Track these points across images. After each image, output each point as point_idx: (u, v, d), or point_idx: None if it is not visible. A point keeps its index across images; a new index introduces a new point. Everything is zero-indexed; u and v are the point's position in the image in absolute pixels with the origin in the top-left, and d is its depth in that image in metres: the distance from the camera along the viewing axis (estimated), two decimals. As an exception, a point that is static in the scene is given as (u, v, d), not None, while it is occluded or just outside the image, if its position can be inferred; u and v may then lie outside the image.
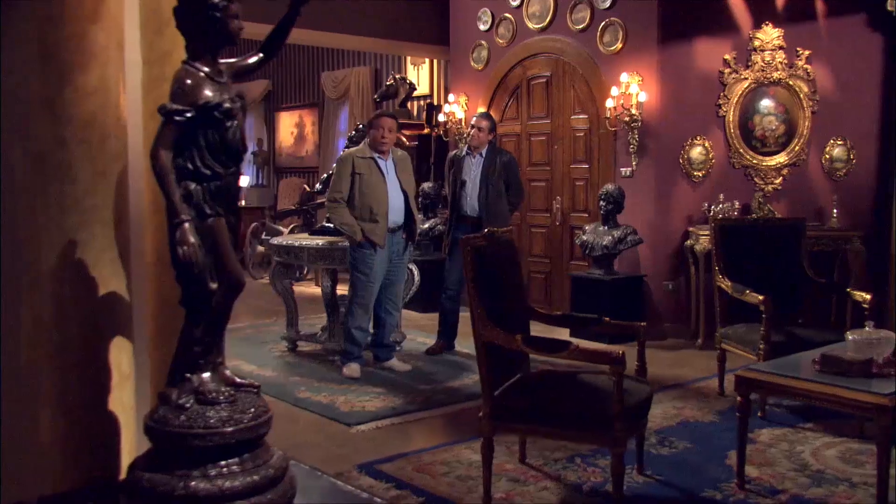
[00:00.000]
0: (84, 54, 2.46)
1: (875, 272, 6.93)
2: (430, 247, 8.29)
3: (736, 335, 5.07)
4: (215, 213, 2.34)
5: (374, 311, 5.82)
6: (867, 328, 3.75)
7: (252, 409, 2.36)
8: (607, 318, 4.05)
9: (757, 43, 7.06)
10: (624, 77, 6.94)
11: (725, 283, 5.19)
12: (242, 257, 11.24)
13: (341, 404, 5.05)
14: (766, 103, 7.15)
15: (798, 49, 7.15)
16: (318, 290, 8.42)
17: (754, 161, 7.16)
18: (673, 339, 6.90)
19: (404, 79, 10.77)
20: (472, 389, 5.18)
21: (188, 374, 2.35)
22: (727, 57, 7.03)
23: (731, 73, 7.05)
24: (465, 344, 6.16)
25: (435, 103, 10.56)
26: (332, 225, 5.94)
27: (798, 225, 5.62)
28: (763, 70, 7.07)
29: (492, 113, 8.15)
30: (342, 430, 4.61)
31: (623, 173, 7.18)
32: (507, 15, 8.12)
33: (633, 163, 7.09)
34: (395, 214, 5.71)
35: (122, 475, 2.56)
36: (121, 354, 2.62)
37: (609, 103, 7.03)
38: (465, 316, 4.25)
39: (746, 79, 7.06)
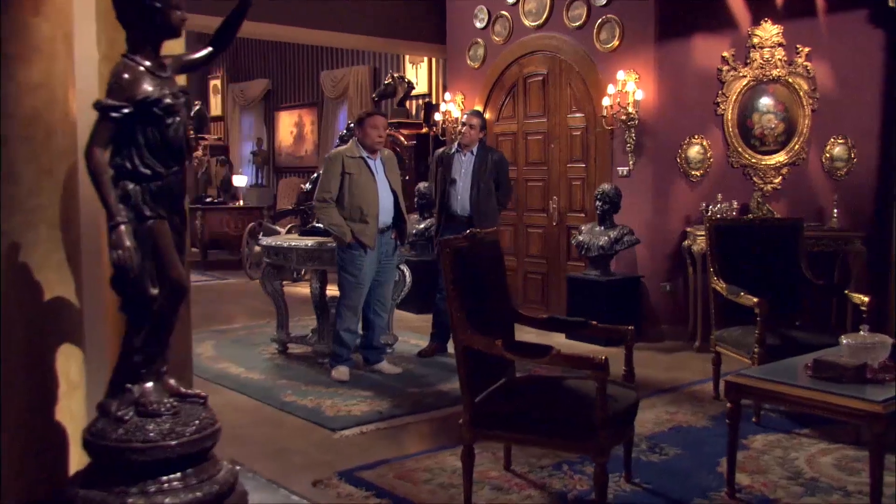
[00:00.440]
0: (26, 47, 2.35)
1: (876, 273, 6.81)
2: (427, 247, 8.19)
3: (731, 338, 4.96)
4: (156, 214, 2.24)
5: (362, 312, 5.73)
6: (862, 332, 3.64)
7: (196, 422, 2.26)
8: (594, 322, 3.93)
9: (756, 40, 6.94)
10: (621, 75, 6.83)
11: (720, 285, 5.08)
12: (241, 257, 11.20)
13: (327, 408, 4.95)
14: (765, 101, 7.02)
15: (798, 46, 7.03)
16: (313, 291, 8.33)
17: (753, 160, 7.03)
18: (670, 341, 6.80)
19: (403, 78, 10.71)
20: (462, 393, 5.07)
21: (129, 385, 2.25)
22: (725, 54, 6.91)
23: (729, 71, 6.92)
24: (457, 346, 6.06)
25: (433, 102, 10.47)
26: (321, 225, 5.85)
27: (796, 225, 5.50)
28: (762, 67, 6.95)
29: (488, 111, 8.07)
30: (326, 436, 4.51)
31: (620, 173, 7.07)
32: (503, 12, 8.02)
33: (630, 162, 6.98)
34: (385, 215, 5.62)
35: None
36: (69, 362, 2.52)
37: (606, 102, 6.91)
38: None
39: (745, 76, 6.94)
